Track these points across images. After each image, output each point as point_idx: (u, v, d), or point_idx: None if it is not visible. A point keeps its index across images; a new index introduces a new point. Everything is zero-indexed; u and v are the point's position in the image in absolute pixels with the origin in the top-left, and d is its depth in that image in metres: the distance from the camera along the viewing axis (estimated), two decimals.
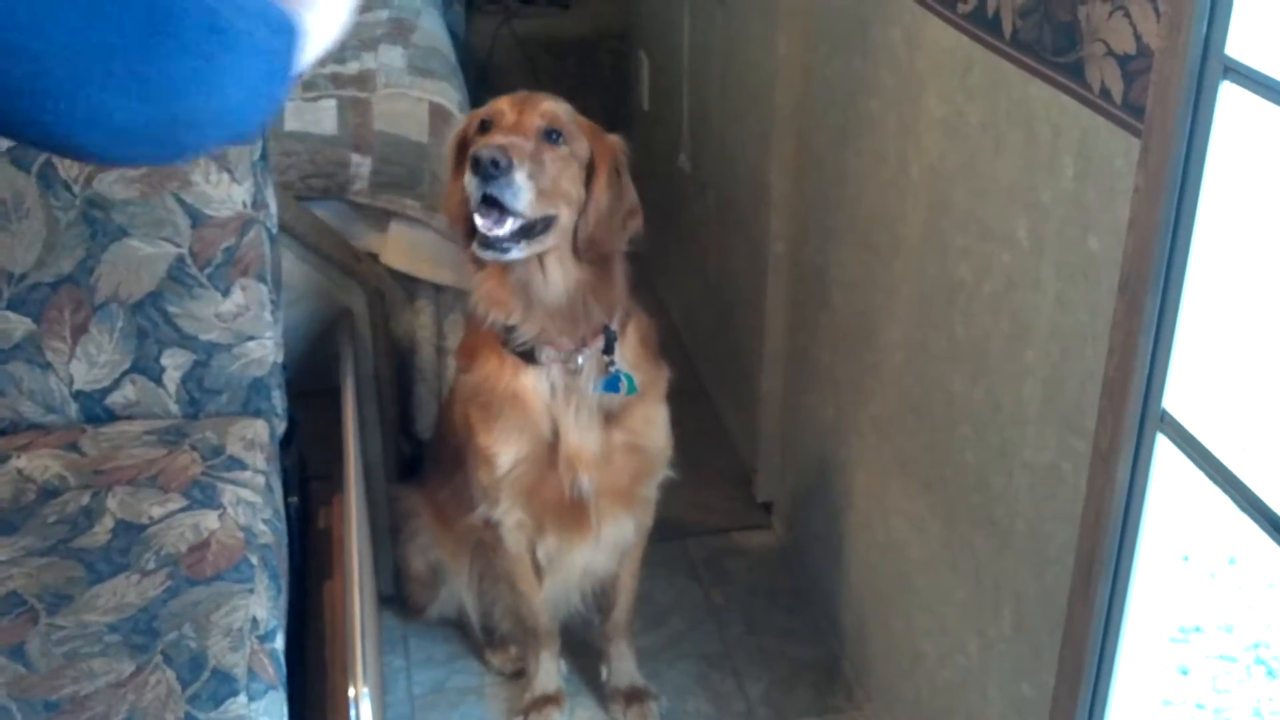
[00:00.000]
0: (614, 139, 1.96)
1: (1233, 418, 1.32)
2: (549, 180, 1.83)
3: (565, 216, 1.87)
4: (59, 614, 1.60)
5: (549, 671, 2.34)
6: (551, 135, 1.86)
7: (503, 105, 1.89)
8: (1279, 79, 1.15)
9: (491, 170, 1.75)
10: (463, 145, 1.92)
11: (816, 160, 2.36)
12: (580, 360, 1.96)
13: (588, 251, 1.90)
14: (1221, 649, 2.43)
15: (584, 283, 1.93)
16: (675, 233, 3.38)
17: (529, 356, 1.95)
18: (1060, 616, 1.58)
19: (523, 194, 1.78)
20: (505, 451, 2.01)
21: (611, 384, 1.98)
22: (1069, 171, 1.47)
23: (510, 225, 1.80)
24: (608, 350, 1.97)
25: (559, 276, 1.91)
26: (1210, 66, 1.21)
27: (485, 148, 1.77)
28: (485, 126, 1.89)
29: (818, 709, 2.37)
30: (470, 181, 1.78)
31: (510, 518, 2.09)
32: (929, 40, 1.81)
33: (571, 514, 2.08)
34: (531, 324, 1.92)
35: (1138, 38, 1.30)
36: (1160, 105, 1.26)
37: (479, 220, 1.79)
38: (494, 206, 1.78)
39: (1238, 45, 1.19)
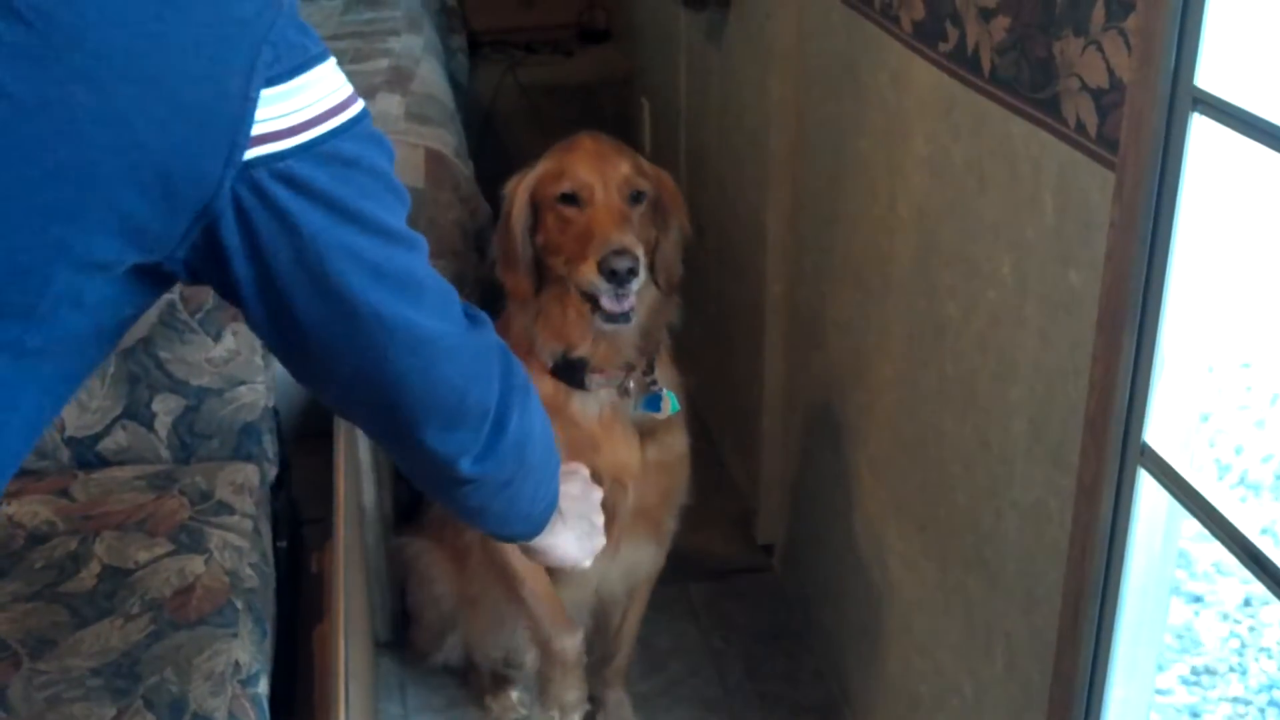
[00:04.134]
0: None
1: (1216, 450, 1.31)
2: (643, 238, 1.93)
3: (644, 256, 1.94)
4: (42, 659, 1.60)
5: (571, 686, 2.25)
6: (636, 197, 1.95)
7: (584, 174, 1.93)
8: (1249, 110, 1.14)
9: (627, 276, 1.86)
10: (532, 199, 1.98)
11: (811, 202, 2.36)
12: (630, 383, 2.02)
13: (668, 283, 2.02)
14: (1235, 692, 2.39)
15: (656, 310, 2.02)
16: None
17: (578, 383, 2.00)
18: (1050, 656, 1.56)
19: (643, 271, 1.88)
20: None
21: (652, 403, 2.04)
22: (1049, 207, 1.47)
23: (632, 299, 1.90)
24: (648, 370, 2.04)
25: (641, 308, 1.96)
26: (1180, 98, 1.20)
27: (620, 258, 1.85)
28: (570, 198, 1.93)
29: None
30: (602, 285, 1.86)
31: None
32: (914, 80, 1.81)
33: None
34: (597, 353, 1.98)
35: (1110, 72, 1.30)
36: (1133, 138, 1.25)
37: (609, 304, 1.88)
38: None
39: (1208, 77, 1.18)
